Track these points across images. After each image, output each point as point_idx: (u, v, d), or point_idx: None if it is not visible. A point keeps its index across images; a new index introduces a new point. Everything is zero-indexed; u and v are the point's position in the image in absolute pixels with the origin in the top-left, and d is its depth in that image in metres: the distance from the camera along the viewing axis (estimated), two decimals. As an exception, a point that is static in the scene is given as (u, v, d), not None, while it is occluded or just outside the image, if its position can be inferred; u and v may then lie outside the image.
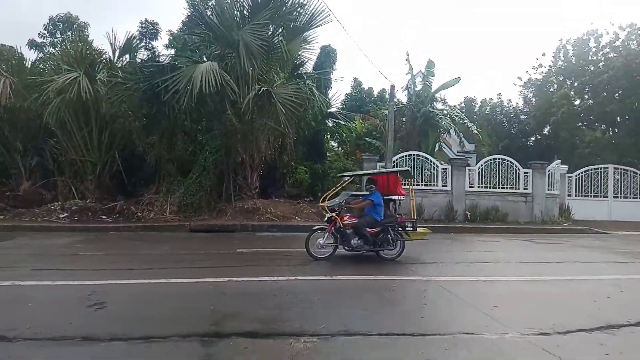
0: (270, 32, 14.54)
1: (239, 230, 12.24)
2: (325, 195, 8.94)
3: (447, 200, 15.36)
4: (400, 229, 8.26)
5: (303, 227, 12.61)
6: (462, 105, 32.51)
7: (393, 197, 8.88)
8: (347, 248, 8.07)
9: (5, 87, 14.27)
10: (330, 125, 20.25)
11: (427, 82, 18.31)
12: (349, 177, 10.45)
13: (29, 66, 16.88)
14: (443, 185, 15.67)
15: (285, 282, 6.06)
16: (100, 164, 14.98)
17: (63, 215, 13.36)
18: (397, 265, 7.63)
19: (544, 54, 31.83)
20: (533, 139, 28.86)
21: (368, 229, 7.94)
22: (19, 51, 17.32)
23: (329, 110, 18.89)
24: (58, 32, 21.23)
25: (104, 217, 13.53)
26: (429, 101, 17.83)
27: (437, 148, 19.13)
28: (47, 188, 15.60)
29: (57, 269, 6.75)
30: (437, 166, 15.81)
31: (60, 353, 3.58)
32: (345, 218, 8.14)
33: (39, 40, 21.15)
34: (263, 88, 13.20)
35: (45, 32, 21.28)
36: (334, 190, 9.28)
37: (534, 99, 28.06)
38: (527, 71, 35.38)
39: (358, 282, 6.32)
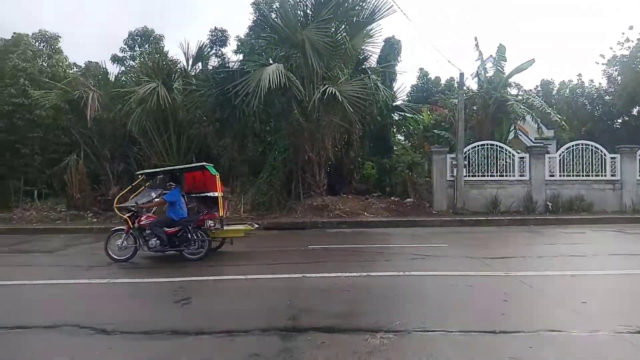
0: (333, 29, 14.61)
1: (309, 227, 12.44)
2: (119, 195, 8.63)
3: (526, 191, 14.52)
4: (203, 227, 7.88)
5: (372, 223, 12.58)
6: (539, 89, 30.49)
7: (209, 194, 8.32)
8: (146, 249, 7.71)
9: (94, 101, 15.63)
10: (397, 118, 19.91)
11: (498, 67, 17.38)
12: (142, 176, 9.61)
13: (113, 79, 18.36)
14: (520, 175, 14.83)
15: (358, 278, 6.08)
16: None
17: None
18: (472, 261, 7.35)
19: (631, 27, 28.75)
20: (620, 121, 26.37)
21: (166, 229, 7.61)
22: (104, 66, 18.87)
23: (394, 104, 18.60)
24: (137, 45, 22.84)
25: (184, 217, 14.39)
26: (501, 87, 16.93)
27: (512, 136, 18.12)
28: (133, 192, 16.87)
29: (146, 267, 7.31)
30: (514, 155, 15.00)
31: (152, 346, 3.86)
32: (143, 218, 7.80)
33: (120, 54, 22.91)
34: (328, 86, 13.29)
35: (126, 46, 22.99)
36: (127, 190, 8.94)
37: (619, 78, 25.61)
38: (611, 47, 32.32)
39: (432, 279, 6.18)
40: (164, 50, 20.49)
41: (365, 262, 7.31)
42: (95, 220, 14.60)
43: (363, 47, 16.17)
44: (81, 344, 3.86)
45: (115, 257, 7.75)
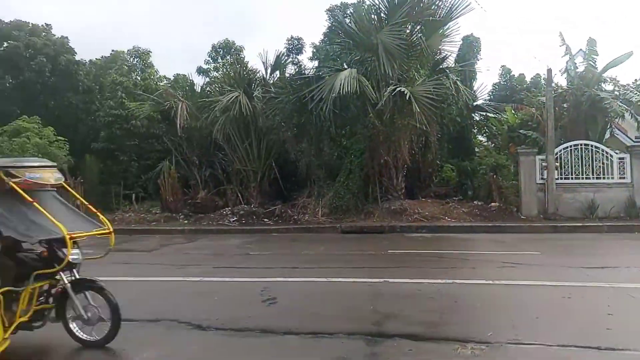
0: (408, 31, 14.38)
1: (387, 232, 12.30)
2: None
3: (627, 195, 13.18)
4: None
5: (454, 228, 12.15)
6: (638, 82, 27.57)
7: None
8: None
9: (183, 110, 16.75)
10: (477, 119, 19.08)
11: (590, 62, 16.01)
12: None
13: (199, 90, 19.59)
14: (620, 178, 13.50)
15: (443, 285, 5.90)
16: (260, 172, 16.58)
17: (233, 219, 15.09)
18: (570, 271, 6.81)
19: None
20: None
21: None
22: (190, 78, 20.22)
23: (475, 103, 17.86)
24: (219, 57, 24.19)
25: (266, 220, 14.90)
26: (594, 83, 15.57)
27: (607, 135, 16.57)
28: (219, 195, 17.84)
29: (234, 267, 7.68)
30: (611, 155, 13.70)
31: (244, 343, 4.04)
32: None
33: (205, 66, 24.40)
34: (400, 88, 13.09)
35: (209, 58, 24.45)
36: None
37: None
38: None
39: (524, 288, 5.83)
40: (244, 60, 21.48)
41: (450, 268, 7.08)
42: (186, 222, 15.61)
43: (440, 47, 15.73)
44: (180, 337, 4.14)
45: None
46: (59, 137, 20.34)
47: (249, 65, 18.89)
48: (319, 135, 16.27)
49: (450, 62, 17.01)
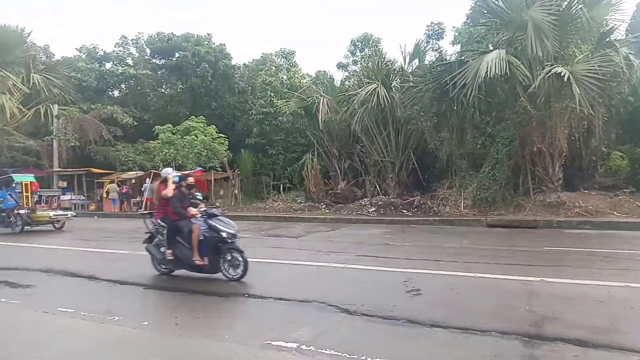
0: (566, 3, 12.76)
1: (541, 227, 11.21)
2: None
3: None
4: None
5: (626, 225, 10.54)
6: None
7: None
8: None
9: (324, 105, 17.49)
10: (657, 97, 16.07)
11: None
12: None
13: (338, 85, 20.24)
14: None
15: (614, 288, 5.17)
16: (398, 163, 16.52)
17: (371, 210, 15.34)
18: None
19: None
20: None
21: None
22: (330, 74, 20.99)
23: (653, 80, 15.06)
24: (357, 51, 24.60)
25: (404, 211, 14.83)
26: None
27: None
28: (357, 186, 18.29)
29: (375, 256, 7.80)
30: None
31: (391, 331, 4.09)
32: None
33: (344, 61, 25.09)
34: (556, 68, 11.67)
35: (348, 52, 25.03)
36: None
37: None
38: None
39: None
40: (382, 52, 21.51)
41: (623, 270, 6.16)
42: (327, 211, 16.39)
43: (606, 17, 13.61)
44: (330, 319, 4.37)
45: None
46: (220, 134, 23.02)
47: (386, 57, 18.92)
48: (461, 124, 15.52)
49: (620, 33, 14.61)
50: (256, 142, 25.15)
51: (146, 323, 4.30)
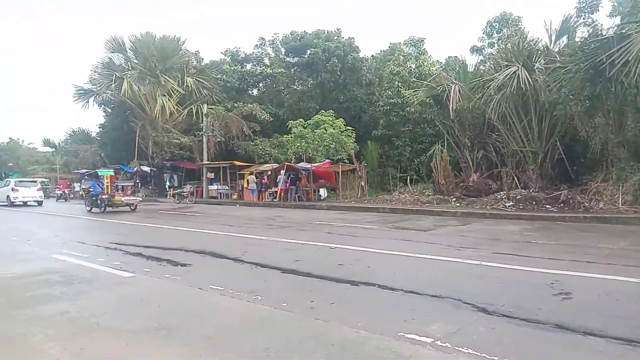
0: None
1: None
2: None
3: None
4: None
5: None
6: None
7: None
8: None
9: (455, 93, 16.66)
10: None
11: None
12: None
13: (471, 70, 19.05)
14: None
15: None
16: (541, 153, 15.01)
17: (509, 204, 14.22)
18: None
19: None
20: None
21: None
22: (462, 59, 19.85)
23: None
24: (494, 32, 22.88)
25: (548, 206, 13.44)
26: None
27: None
28: (492, 178, 17.11)
29: (515, 254, 7.20)
30: None
31: (536, 335, 3.74)
32: None
33: (478, 44, 23.55)
34: None
35: (484, 35, 23.42)
36: None
37: None
38: None
39: None
40: (523, 31, 19.68)
41: None
42: (458, 204, 15.66)
43: None
44: (465, 317, 4.17)
45: None
46: (348, 127, 23.51)
47: (528, 36, 17.21)
48: (620, 107, 13.51)
49: None
50: (383, 133, 25.10)
51: (285, 304, 4.59)
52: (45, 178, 41.38)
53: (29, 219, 16.40)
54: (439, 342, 3.51)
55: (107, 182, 20.08)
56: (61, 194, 31.13)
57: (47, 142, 48.76)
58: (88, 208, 19.06)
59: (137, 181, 31.96)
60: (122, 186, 23.13)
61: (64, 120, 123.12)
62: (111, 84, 26.74)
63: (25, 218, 16.99)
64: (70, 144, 43.34)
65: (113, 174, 21.42)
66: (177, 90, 26.58)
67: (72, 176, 38.13)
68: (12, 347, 3.59)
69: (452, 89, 16.77)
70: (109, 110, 32.93)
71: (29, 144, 63.93)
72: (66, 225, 14.29)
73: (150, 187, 30.82)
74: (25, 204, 24.34)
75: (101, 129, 36.33)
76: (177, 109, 26.84)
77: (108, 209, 18.36)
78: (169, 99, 26.18)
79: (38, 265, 7.06)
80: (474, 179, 17.34)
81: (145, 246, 8.80)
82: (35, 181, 28.46)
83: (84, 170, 34.27)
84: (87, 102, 28.51)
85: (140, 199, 21.49)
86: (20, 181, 27.39)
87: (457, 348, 3.40)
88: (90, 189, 20.64)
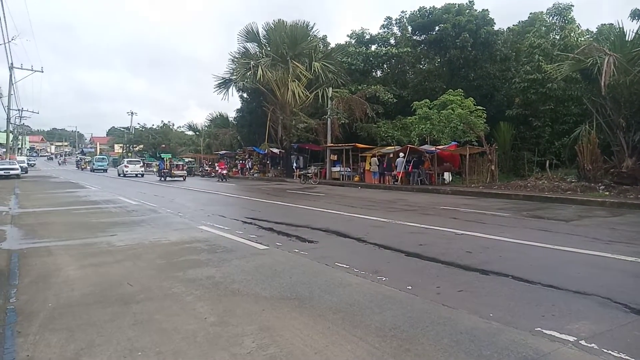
0: None
1: None
2: None
3: None
4: None
5: None
6: None
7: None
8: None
9: (609, 66, 14.52)
10: None
11: None
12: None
13: (630, 38, 16.40)
14: None
15: None
16: None
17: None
18: None
19: None
20: None
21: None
22: (620, 26, 17.12)
23: None
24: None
25: None
26: None
27: None
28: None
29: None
30: None
31: None
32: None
33: (642, 8, 20.04)
34: None
35: (649, -4, 19.87)
36: None
37: None
38: None
39: None
40: None
41: None
42: (607, 193, 13.81)
43: None
44: (615, 317, 3.70)
45: None
46: (478, 107, 22.09)
47: None
48: None
49: None
50: (518, 113, 23.07)
51: (410, 287, 4.57)
52: (192, 158, 46.71)
53: (182, 194, 18.73)
54: (583, 342, 3.18)
55: (167, 162, 31.79)
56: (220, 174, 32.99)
57: (191, 127, 54.98)
58: (158, 178, 30.59)
59: (268, 161, 34.35)
60: (177, 164, 32.81)
61: (209, 106, 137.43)
62: (247, 72, 28.90)
63: (178, 193, 19.45)
64: (213, 128, 48.12)
65: (171, 156, 35.00)
66: (305, 75, 27.64)
67: (214, 157, 42.42)
68: (172, 304, 4.18)
69: (605, 60, 14.59)
70: (245, 96, 35.69)
71: (178, 127, 72.69)
72: (208, 201, 16.02)
73: (279, 167, 32.87)
74: (135, 175, 37.06)
75: (238, 114, 39.67)
76: (304, 93, 27.99)
77: (168, 178, 30.03)
78: (298, 84, 27.41)
79: (188, 234, 8.07)
80: (629, 164, 15.03)
81: (276, 222, 9.47)
82: (139, 160, 44.15)
83: (223, 152, 38.14)
84: (227, 90, 31.30)
85: (186, 173, 32.38)
86: (130, 161, 41.39)
87: (605, 350, 3.05)
88: (159, 167, 33.23)
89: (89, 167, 54.79)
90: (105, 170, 49.40)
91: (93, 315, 3.86)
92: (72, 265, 5.72)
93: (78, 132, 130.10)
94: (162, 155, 35.77)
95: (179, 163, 33.77)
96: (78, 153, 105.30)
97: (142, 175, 37.47)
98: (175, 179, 29.59)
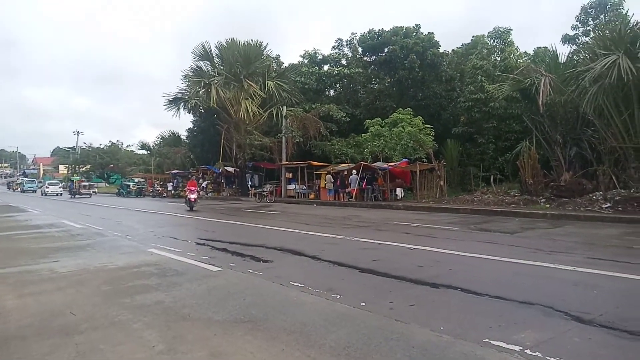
0: None
1: None
2: None
3: None
4: None
5: None
6: None
7: None
8: None
9: (545, 86, 15.54)
10: None
11: None
12: None
13: (564, 61, 17.68)
14: None
15: None
16: (645, 149, 13.54)
17: (606, 206, 13.02)
18: None
19: None
20: None
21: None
22: (553, 49, 18.45)
23: None
24: (590, 19, 21.03)
25: (653, 208, 12.12)
26: None
27: None
28: (586, 178, 15.75)
29: (614, 260, 6.58)
30: None
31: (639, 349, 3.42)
32: None
33: (571, 33, 21.76)
34: None
35: (578, 23, 21.61)
36: None
37: None
38: None
39: None
40: (625, 15, 17.82)
41: None
42: (547, 206, 14.62)
43: None
44: (558, 326, 3.89)
45: None
46: (426, 125, 22.91)
47: (631, 20, 15.55)
48: None
49: None
50: (463, 131, 24.13)
51: (364, 304, 4.61)
52: (142, 178, 45.16)
53: (130, 216, 18.02)
54: (528, 351, 3.32)
55: (77, 183, 41.51)
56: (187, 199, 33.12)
57: (143, 145, 53.35)
58: (70, 195, 38.25)
59: (222, 180, 33.80)
60: (84, 185, 41.77)
61: (160, 125, 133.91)
62: (199, 90, 28.49)
63: (126, 214, 18.70)
64: (164, 147, 46.90)
65: (79, 178, 48.11)
66: (259, 94, 27.67)
67: (165, 176, 41.26)
68: (118, 332, 3.98)
69: (542, 81, 15.63)
70: (198, 115, 35.14)
71: (127, 146, 70.22)
72: (158, 222, 15.50)
73: (233, 186, 32.43)
74: (55, 195, 44.00)
75: (190, 133, 38.89)
76: (258, 112, 27.96)
77: (77, 195, 37.68)
78: (251, 103, 27.36)
79: (136, 258, 7.75)
80: (566, 178, 16.05)
81: (230, 242, 9.29)
82: (58, 182, 52.17)
83: (175, 171, 37.23)
84: (178, 108, 30.69)
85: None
86: (50, 183, 50.16)
87: (548, 358, 3.20)
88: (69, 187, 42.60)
89: (19, 189, 61.06)
90: (34, 191, 56.48)
91: (31, 348, 3.61)
92: (9, 295, 5.34)
93: (20, 152, 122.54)
94: (72, 178, 47.64)
95: (86, 184, 43.39)
96: (19, 174, 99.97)
97: (61, 194, 44.82)
98: (83, 196, 38.13)
